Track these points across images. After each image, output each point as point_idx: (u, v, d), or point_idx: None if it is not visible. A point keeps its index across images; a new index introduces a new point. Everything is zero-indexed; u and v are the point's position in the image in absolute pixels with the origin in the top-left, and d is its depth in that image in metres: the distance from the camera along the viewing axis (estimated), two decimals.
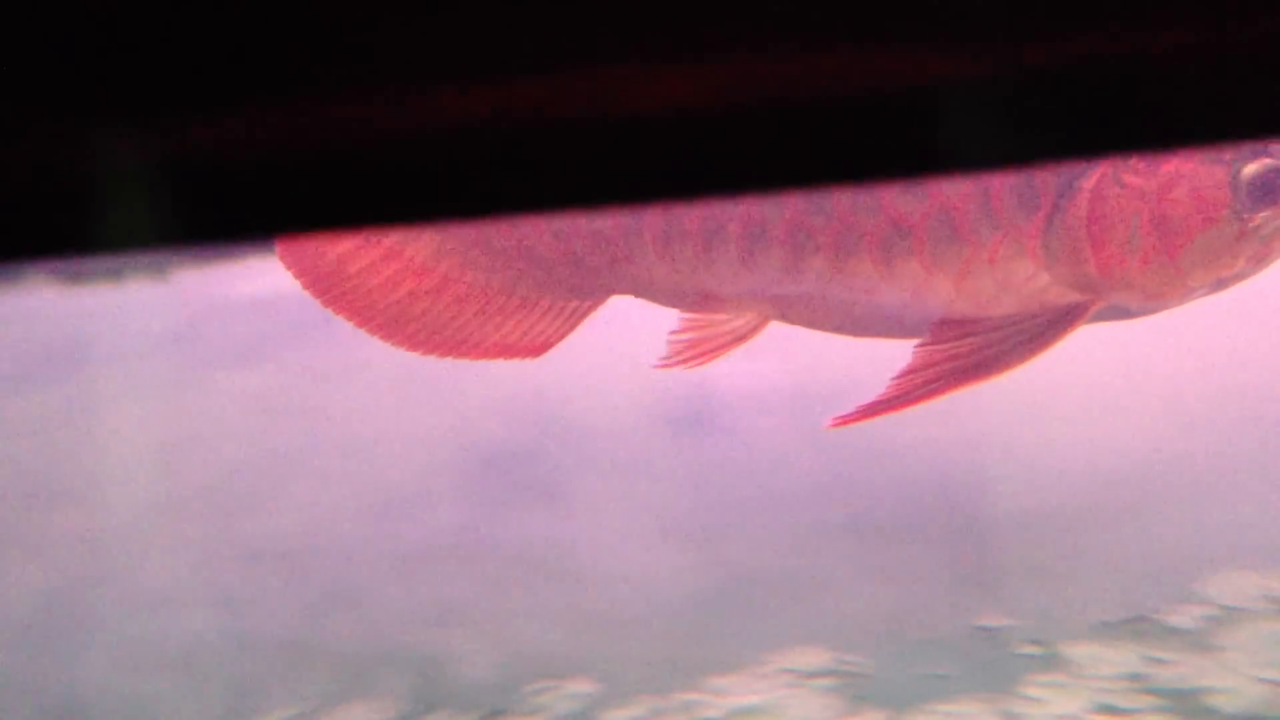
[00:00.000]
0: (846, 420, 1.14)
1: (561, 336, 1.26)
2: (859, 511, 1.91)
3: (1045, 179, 1.15)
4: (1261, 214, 1.13)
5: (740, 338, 1.22)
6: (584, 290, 1.24)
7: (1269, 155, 1.13)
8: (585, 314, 1.26)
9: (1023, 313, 1.17)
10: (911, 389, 1.14)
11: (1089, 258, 1.14)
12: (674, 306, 1.22)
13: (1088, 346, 1.28)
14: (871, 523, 1.93)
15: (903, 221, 1.15)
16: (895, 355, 1.16)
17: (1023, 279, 1.16)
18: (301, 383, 2.03)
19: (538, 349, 1.26)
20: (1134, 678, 1.83)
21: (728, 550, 1.74)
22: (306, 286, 1.27)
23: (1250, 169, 1.13)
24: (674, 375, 1.20)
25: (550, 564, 1.62)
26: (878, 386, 1.16)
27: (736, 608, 1.65)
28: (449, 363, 1.26)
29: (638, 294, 1.23)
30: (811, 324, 1.23)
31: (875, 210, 1.15)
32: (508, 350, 1.26)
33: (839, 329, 1.23)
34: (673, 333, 1.20)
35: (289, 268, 1.26)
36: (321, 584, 1.58)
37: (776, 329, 1.26)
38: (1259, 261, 1.16)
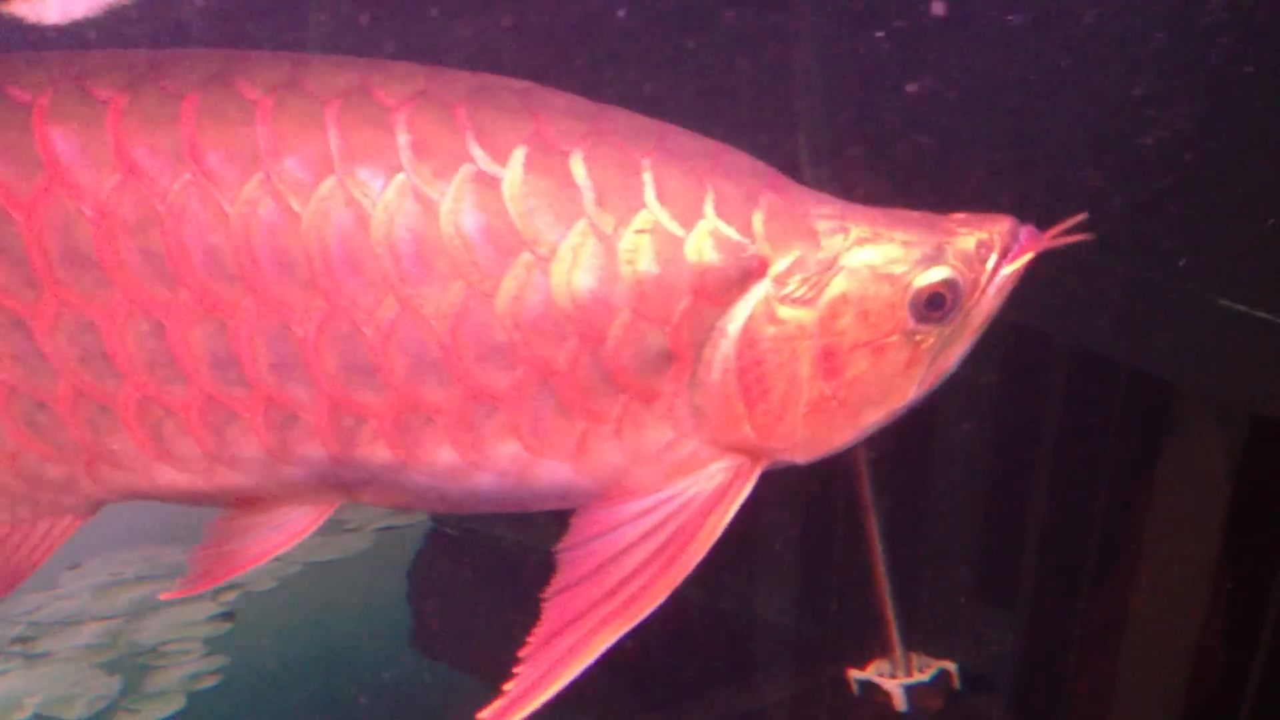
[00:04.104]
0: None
1: (33, 566, 0.95)
2: None
3: (678, 326, 0.87)
4: (933, 329, 0.92)
5: (291, 535, 0.93)
6: (60, 506, 0.93)
7: (939, 260, 0.91)
8: (65, 533, 0.94)
9: (652, 509, 0.90)
10: (559, 661, 0.85)
11: (743, 416, 0.90)
12: (204, 506, 0.92)
13: None
14: None
15: (484, 394, 0.86)
16: None
17: (659, 447, 0.91)
18: None
19: (7, 581, 0.95)
20: None
21: None
22: None
23: (924, 281, 0.91)
24: None
25: None
26: None
27: None
28: None
29: (142, 498, 0.93)
30: (399, 506, 0.95)
31: (442, 379, 0.86)
32: None
33: (439, 509, 0.97)
34: (198, 549, 0.94)
35: None
36: None
37: None
38: (930, 385, 0.95)
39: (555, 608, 0.89)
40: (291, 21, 1.72)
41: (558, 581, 0.90)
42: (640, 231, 0.86)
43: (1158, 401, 1.87)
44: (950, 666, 1.99)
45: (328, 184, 0.84)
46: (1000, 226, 0.94)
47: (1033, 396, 2.02)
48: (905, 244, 0.92)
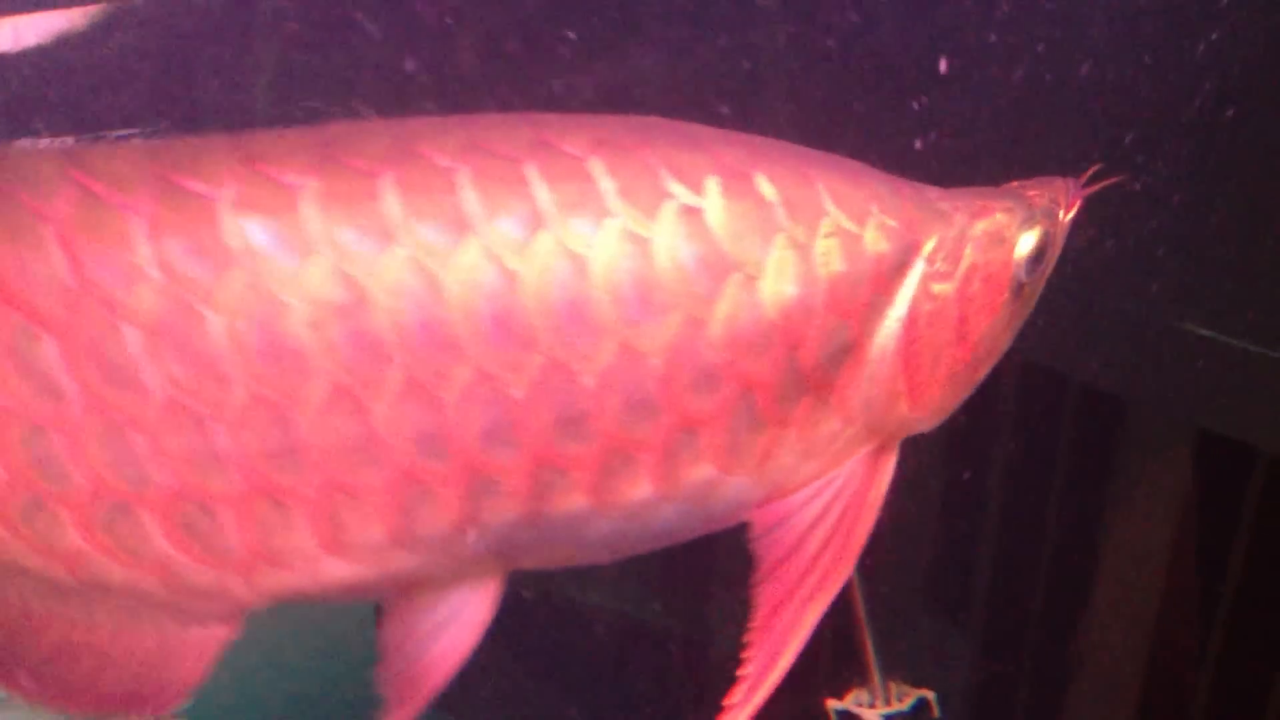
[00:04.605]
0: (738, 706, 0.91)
1: (189, 682, 0.91)
2: None
3: (859, 316, 0.92)
4: (1028, 283, 1.01)
5: (474, 627, 0.90)
6: (208, 614, 0.89)
7: (1034, 221, 1.01)
8: (217, 644, 0.91)
9: (818, 494, 0.95)
10: (779, 640, 0.92)
11: (901, 393, 0.96)
12: (352, 601, 0.90)
13: None
14: None
15: (690, 421, 0.88)
16: None
17: (827, 440, 0.95)
18: None
19: (166, 697, 0.90)
20: None
21: None
22: None
23: (1027, 241, 1.00)
24: None
25: None
26: None
27: None
28: None
29: (294, 600, 0.89)
30: (545, 564, 0.94)
31: (653, 413, 0.87)
32: (120, 701, 0.90)
33: (602, 559, 0.95)
34: (382, 671, 0.89)
35: None
36: None
37: None
38: (1018, 331, 1.03)
39: (764, 593, 0.95)
40: (242, 51, 1.66)
41: (759, 570, 0.96)
42: (829, 235, 0.92)
43: (1110, 418, 1.87)
44: (929, 695, 1.97)
45: (544, 238, 0.83)
46: (1060, 184, 1.06)
47: (990, 415, 2.01)
48: (1006, 211, 1.01)
